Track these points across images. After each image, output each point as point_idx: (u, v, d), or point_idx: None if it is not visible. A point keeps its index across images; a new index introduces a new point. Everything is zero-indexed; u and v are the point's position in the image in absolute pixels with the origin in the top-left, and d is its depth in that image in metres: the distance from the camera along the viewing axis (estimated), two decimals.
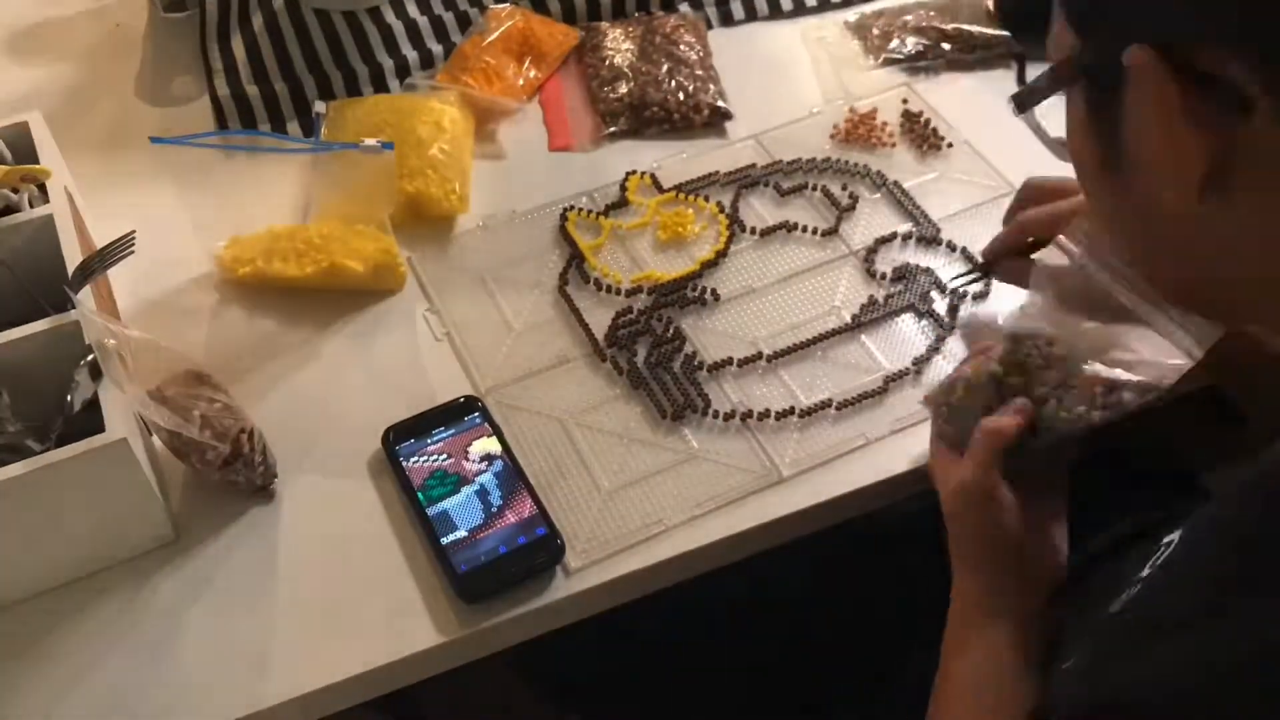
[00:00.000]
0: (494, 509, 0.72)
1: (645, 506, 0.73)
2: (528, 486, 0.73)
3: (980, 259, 0.82)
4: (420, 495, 0.72)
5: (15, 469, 0.63)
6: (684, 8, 1.10)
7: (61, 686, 0.66)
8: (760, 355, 0.81)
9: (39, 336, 0.70)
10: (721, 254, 0.88)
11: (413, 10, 1.07)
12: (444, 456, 0.74)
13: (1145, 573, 0.53)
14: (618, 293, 0.86)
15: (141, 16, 1.11)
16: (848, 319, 0.84)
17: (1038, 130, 0.63)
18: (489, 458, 0.74)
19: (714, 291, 0.86)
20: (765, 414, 0.78)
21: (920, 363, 0.81)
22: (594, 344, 0.82)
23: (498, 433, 0.76)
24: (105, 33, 1.10)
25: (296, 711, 0.66)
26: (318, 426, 0.78)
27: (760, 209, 0.92)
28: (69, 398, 0.68)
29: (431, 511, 0.71)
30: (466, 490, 0.73)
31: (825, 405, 0.78)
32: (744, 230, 0.90)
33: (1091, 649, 0.53)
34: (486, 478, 0.73)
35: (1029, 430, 0.64)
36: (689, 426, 0.78)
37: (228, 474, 0.71)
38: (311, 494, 0.75)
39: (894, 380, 0.80)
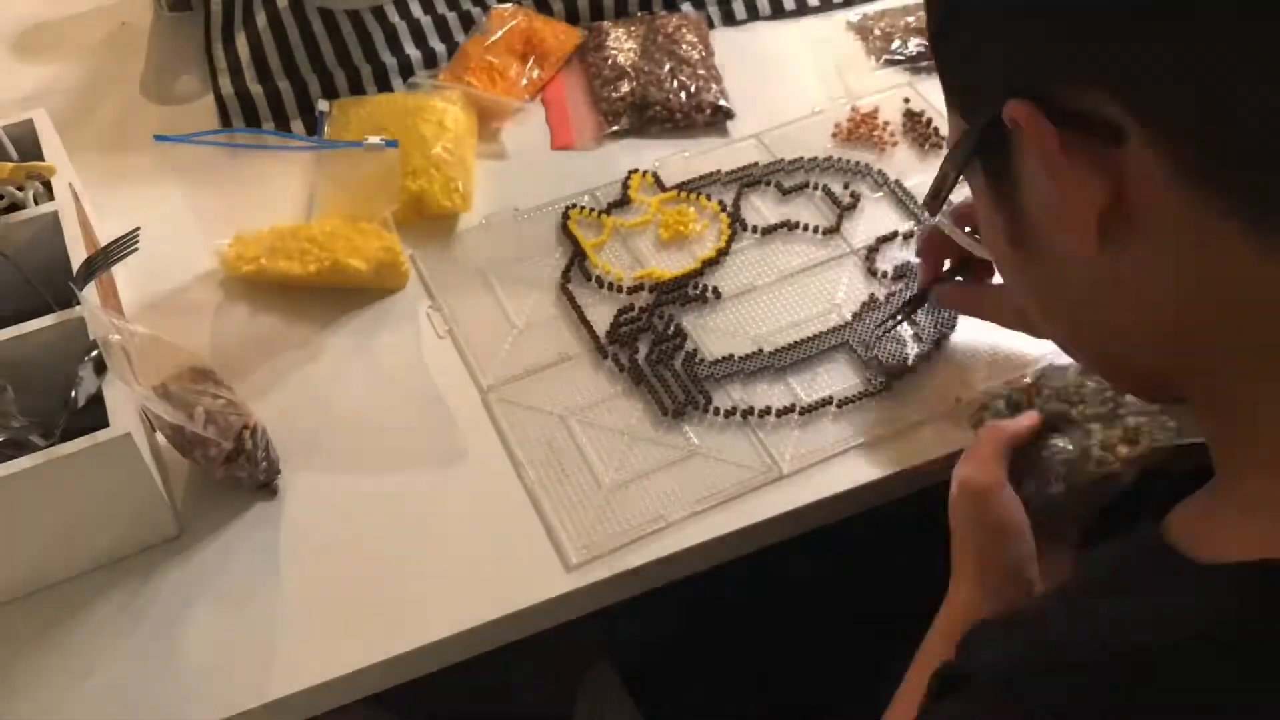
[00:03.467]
0: None
1: (646, 503, 0.74)
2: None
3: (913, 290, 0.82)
4: None
5: (19, 464, 0.63)
6: (686, 7, 1.11)
7: (65, 681, 0.66)
8: (761, 353, 0.82)
9: (44, 332, 0.70)
10: (723, 252, 0.89)
11: (416, 9, 1.07)
12: None
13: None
14: (619, 290, 0.86)
15: (146, 15, 1.12)
16: (849, 317, 0.84)
17: (951, 230, 0.67)
18: None
19: (715, 289, 0.86)
20: (766, 411, 0.78)
21: (920, 361, 0.81)
22: (595, 341, 0.83)
23: None
24: (110, 31, 1.11)
25: (300, 705, 0.67)
26: (320, 423, 0.78)
27: (762, 207, 0.93)
28: (73, 393, 0.68)
29: None
30: None
31: (826, 403, 0.79)
32: (745, 228, 0.91)
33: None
34: None
35: (1047, 474, 0.64)
36: (690, 424, 0.78)
37: (231, 470, 0.72)
38: (315, 490, 0.75)
39: (895, 378, 0.80)
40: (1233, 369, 0.43)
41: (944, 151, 0.96)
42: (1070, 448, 0.65)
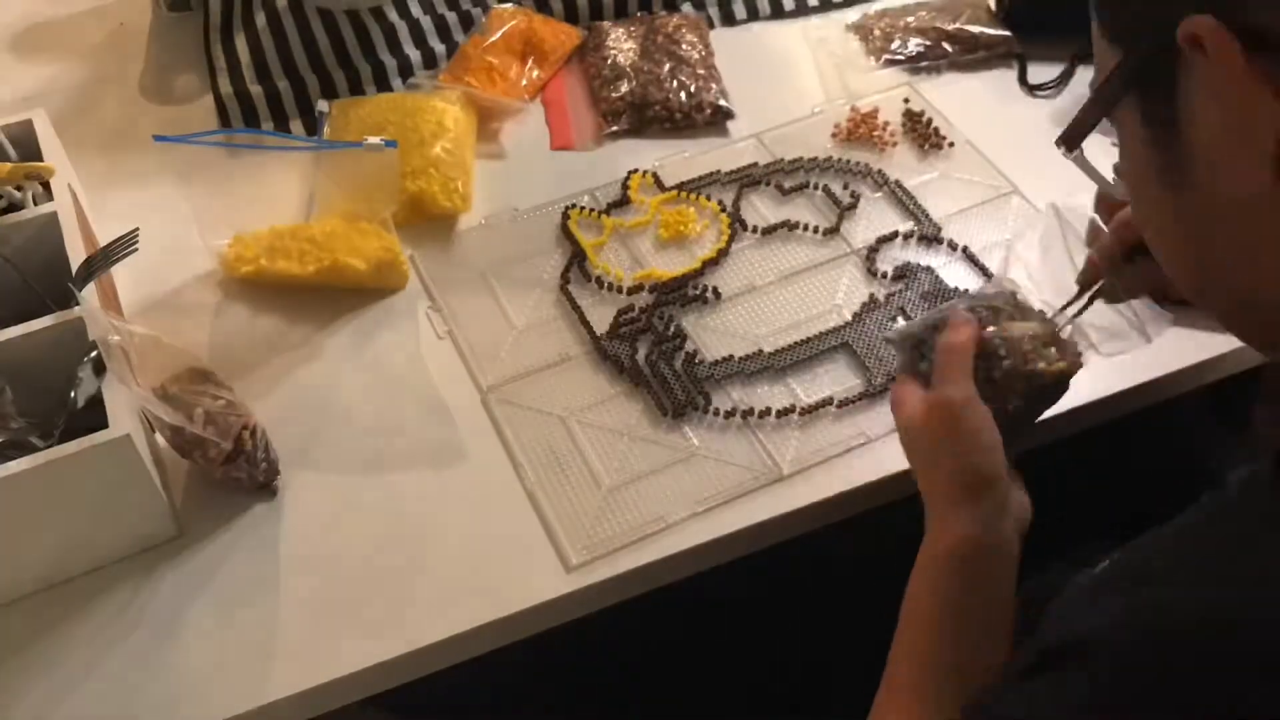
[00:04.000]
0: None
1: (646, 504, 0.74)
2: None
3: (1079, 283, 0.73)
4: None
5: (19, 465, 0.63)
6: (686, 7, 1.11)
7: (66, 681, 0.66)
8: (761, 353, 0.82)
9: (43, 333, 0.70)
10: (723, 252, 0.89)
11: (416, 10, 1.07)
12: None
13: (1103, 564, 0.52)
14: (619, 291, 0.86)
15: (145, 15, 1.12)
16: (849, 317, 0.84)
17: (1088, 168, 0.60)
18: None
19: (715, 290, 0.86)
20: (766, 412, 0.78)
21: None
22: (595, 342, 0.83)
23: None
24: (109, 31, 1.11)
25: (299, 706, 0.67)
26: (320, 424, 0.78)
27: (762, 208, 0.93)
28: (72, 394, 0.68)
29: None
30: None
31: (826, 403, 0.78)
32: (745, 229, 0.91)
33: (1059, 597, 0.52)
34: None
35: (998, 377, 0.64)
36: (690, 424, 0.78)
37: (230, 470, 0.72)
38: (314, 491, 0.75)
39: (894, 379, 0.80)
40: None
41: (945, 151, 0.96)
42: (1008, 360, 0.65)
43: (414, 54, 1.04)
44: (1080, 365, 0.67)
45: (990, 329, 0.66)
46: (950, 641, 0.59)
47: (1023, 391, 0.65)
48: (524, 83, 1.03)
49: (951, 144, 0.96)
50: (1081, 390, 0.73)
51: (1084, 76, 1.01)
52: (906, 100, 1.01)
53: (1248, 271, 0.46)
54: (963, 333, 0.65)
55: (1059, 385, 0.67)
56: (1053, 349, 0.66)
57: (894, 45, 1.05)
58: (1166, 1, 0.41)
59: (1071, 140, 0.50)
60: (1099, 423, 0.78)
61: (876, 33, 1.07)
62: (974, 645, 0.59)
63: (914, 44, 1.05)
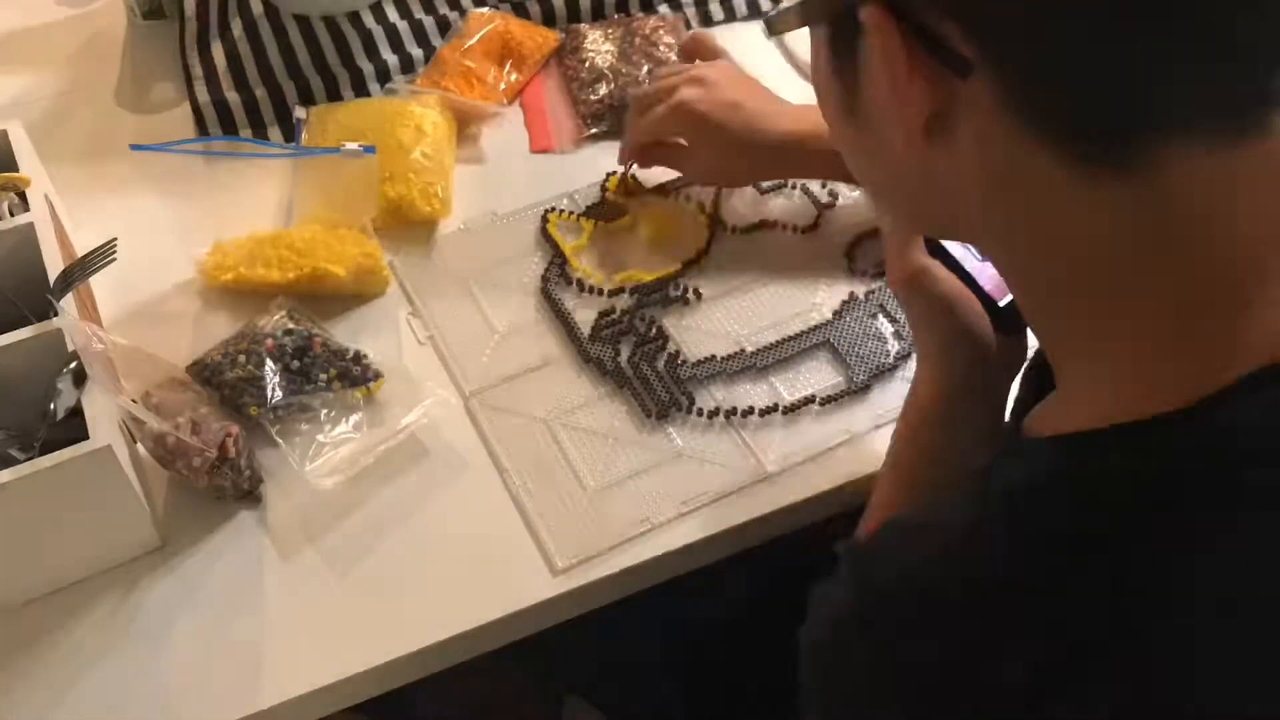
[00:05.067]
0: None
1: (632, 505, 0.74)
2: None
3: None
4: None
5: None
6: (663, 9, 1.11)
7: (50, 695, 0.66)
8: (743, 353, 0.82)
9: (21, 345, 0.70)
10: (703, 253, 0.89)
11: (392, 15, 1.07)
12: None
13: None
14: (600, 293, 0.86)
15: (120, 24, 1.11)
16: (829, 315, 0.84)
17: (789, 55, 0.68)
18: None
19: (696, 290, 0.86)
20: (749, 411, 0.78)
21: (901, 358, 0.81)
22: (577, 345, 0.83)
23: None
24: (84, 41, 1.10)
25: (287, 715, 0.66)
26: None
27: (741, 207, 0.93)
28: (52, 406, 0.67)
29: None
30: None
31: (809, 401, 0.79)
32: (725, 229, 0.91)
33: None
34: None
35: None
36: (673, 425, 0.78)
37: (214, 479, 0.71)
38: (297, 498, 0.75)
39: (876, 376, 0.80)
40: (1043, 277, 0.48)
41: None
42: None
43: (391, 59, 1.03)
44: None
45: None
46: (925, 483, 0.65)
47: None
48: (502, 86, 1.03)
49: None
50: None
51: None
52: None
53: (917, 197, 0.51)
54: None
55: None
56: None
57: None
58: None
59: (772, 27, 0.54)
60: None
61: None
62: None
63: None
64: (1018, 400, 0.64)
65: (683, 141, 0.87)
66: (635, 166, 0.92)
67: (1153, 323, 0.44)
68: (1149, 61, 0.40)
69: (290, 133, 0.99)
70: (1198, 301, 0.44)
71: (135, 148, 0.91)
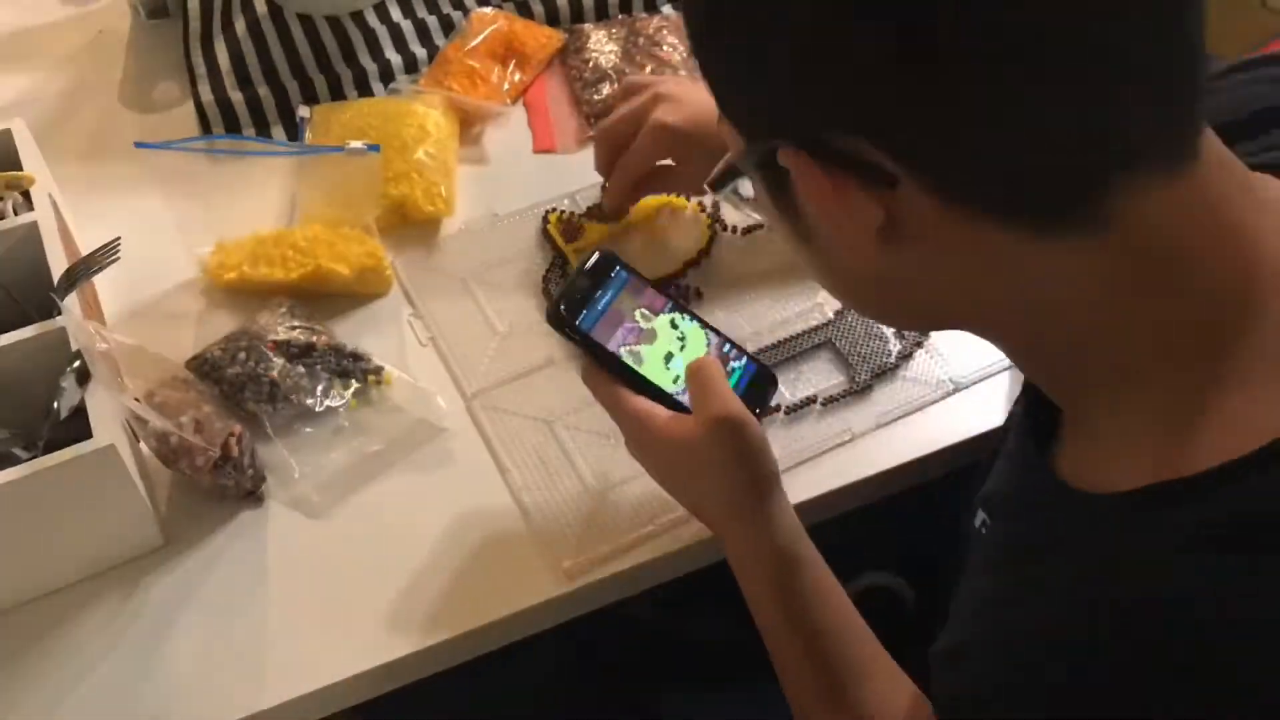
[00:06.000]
0: (701, 346, 0.71)
1: (634, 506, 0.74)
2: (714, 331, 0.73)
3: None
4: (624, 359, 0.68)
5: (2, 477, 0.63)
6: (666, 9, 1.11)
7: (52, 693, 0.66)
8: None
9: (25, 344, 0.70)
10: (704, 253, 0.89)
11: (396, 14, 1.07)
12: (622, 331, 0.70)
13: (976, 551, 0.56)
14: None
15: (124, 23, 1.11)
16: (830, 315, 0.84)
17: (736, 196, 0.73)
18: (660, 321, 0.71)
19: (697, 290, 0.86)
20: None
21: (903, 358, 0.81)
22: None
23: (635, 273, 0.72)
24: (88, 39, 1.10)
25: (289, 715, 0.67)
26: (305, 431, 0.78)
27: (741, 207, 0.93)
28: (55, 404, 0.68)
29: (644, 370, 0.69)
30: (667, 361, 0.70)
31: (810, 401, 0.79)
32: (725, 229, 0.91)
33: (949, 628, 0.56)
34: (673, 343, 0.71)
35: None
36: None
37: (217, 478, 0.72)
38: (300, 497, 0.75)
39: (878, 376, 0.80)
40: (1042, 343, 0.48)
41: None
42: None
43: (395, 58, 1.04)
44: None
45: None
46: (811, 641, 0.63)
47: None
48: (505, 86, 1.03)
49: None
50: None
51: None
52: None
53: (888, 300, 0.52)
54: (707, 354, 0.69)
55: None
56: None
57: None
58: (760, 120, 0.46)
59: (716, 186, 0.55)
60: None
61: None
62: (829, 636, 0.63)
63: None
64: (1016, 417, 0.61)
65: (670, 162, 0.85)
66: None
67: (1169, 365, 0.44)
68: (1078, 128, 0.40)
69: (294, 132, 0.99)
70: (1203, 331, 0.43)
71: (140, 145, 0.91)
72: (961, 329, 0.51)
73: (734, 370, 0.71)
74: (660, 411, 0.67)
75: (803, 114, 0.44)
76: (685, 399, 0.68)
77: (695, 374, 0.66)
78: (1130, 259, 0.43)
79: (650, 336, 0.70)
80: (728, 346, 0.72)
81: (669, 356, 0.70)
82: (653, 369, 0.69)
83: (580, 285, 0.69)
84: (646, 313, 0.71)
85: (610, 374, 0.68)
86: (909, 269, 0.47)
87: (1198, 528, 0.41)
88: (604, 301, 0.70)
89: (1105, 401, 0.47)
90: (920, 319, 0.54)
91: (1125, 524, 0.44)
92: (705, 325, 0.73)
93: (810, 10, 0.40)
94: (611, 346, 0.68)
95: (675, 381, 0.69)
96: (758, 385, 0.71)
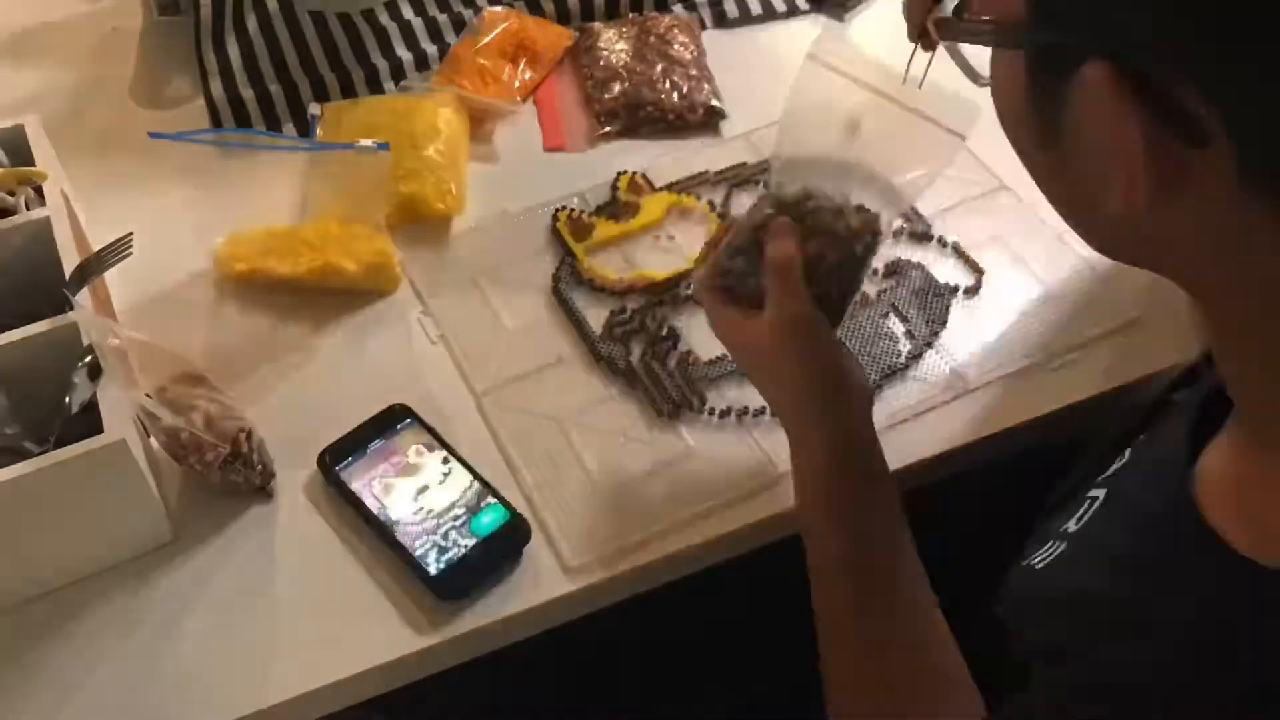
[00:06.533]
0: (449, 505, 0.72)
1: (643, 505, 0.74)
2: (478, 477, 0.74)
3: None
4: (372, 508, 0.72)
5: (14, 471, 0.63)
6: (678, 8, 1.11)
7: (62, 688, 0.66)
8: None
9: (37, 339, 0.70)
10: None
11: (407, 12, 1.07)
12: (385, 465, 0.75)
13: (1071, 528, 0.54)
14: (611, 292, 0.86)
15: (136, 19, 1.11)
16: None
17: (962, 63, 0.61)
18: (431, 458, 0.75)
19: None
20: (761, 411, 0.78)
21: (913, 358, 0.81)
22: (588, 344, 0.83)
23: (433, 433, 0.76)
24: (100, 36, 1.10)
25: (298, 710, 0.67)
26: (314, 427, 0.78)
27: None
28: (67, 400, 0.68)
29: (388, 521, 0.71)
30: (419, 494, 0.73)
31: None
32: None
33: (1011, 600, 0.54)
34: (434, 477, 0.74)
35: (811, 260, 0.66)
36: (685, 424, 0.78)
37: (227, 474, 0.72)
38: (309, 494, 0.75)
39: (887, 376, 0.80)
40: (1264, 325, 0.43)
41: None
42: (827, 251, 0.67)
43: (406, 56, 1.04)
44: (876, 224, 0.68)
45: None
46: (854, 550, 0.61)
47: (839, 274, 0.68)
48: (516, 84, 1.03)
49: None
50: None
51: None
52: None
53: (1119, 238, 0.47)
54: (788, 245, 0.66)
55: (867, 252, 0.69)
56: (850, 218, 0.68)
57: None
58: (1084, 23, 0.40)
59: (946, 32, 0.49)
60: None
61: None
62: (880, 539, 0.61)
63: None
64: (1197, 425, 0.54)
65: None
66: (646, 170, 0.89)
67: None
68: None
69: (305, 129, 0.99)
70: None
71: (154, 136, 0.91)
72: (1177, 282, 0.47)
73: (485, 508, 0.72)
74: (736, 317, 0.67)
75: (1140, 24, 0.38)
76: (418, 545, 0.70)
77: (775, 270, 0.65)
78: None
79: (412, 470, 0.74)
80: (486, 494, 0.73)
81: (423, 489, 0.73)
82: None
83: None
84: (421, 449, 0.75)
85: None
86: (1155, 221, 0.42)
87: None
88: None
89: None
90: (1129, 256, 0.48)
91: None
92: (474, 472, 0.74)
93: None
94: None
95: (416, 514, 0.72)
96: (507, 535, 0.71)
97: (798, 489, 0.65)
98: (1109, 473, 0.57)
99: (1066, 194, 0.48)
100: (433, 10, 1.08)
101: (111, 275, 0.79)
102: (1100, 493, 0.55)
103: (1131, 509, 0.53)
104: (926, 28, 0.60)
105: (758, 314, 0.66)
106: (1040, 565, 0.56)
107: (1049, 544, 0.56)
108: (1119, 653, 0.45)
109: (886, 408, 0.79)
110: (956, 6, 0.49)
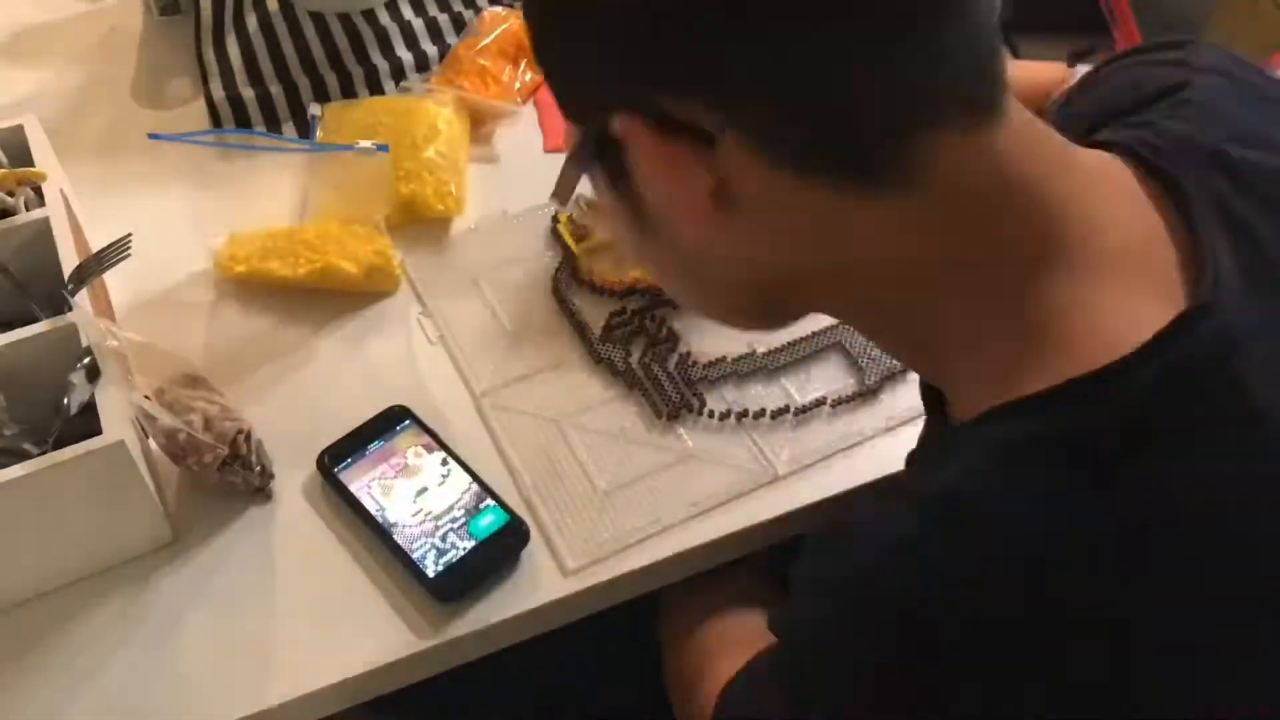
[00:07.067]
0: (448, 507, 0.72)
1: (642, 506, 0.74)
2: (477, 479, 0.74)
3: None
4: (371, 509, 0.72)
5: (13, 472, 0.63)
6: None
7: (62, 690, 0.66)
8: (754, 354, 0.82)
9: (36, 339, 0.70)
10: None
11: (407, 12, 1.07)
12: (385, 466, 0.75)
13: None
14: (611, 294, 0.86)
15: (136, 19, 1.11)
16: None
17: (583, 206, 0.74)
18: (430, 459, 0.75)
19: None
20: (761, 413, 0.78)
21: None
22: (588, 345, 0.83)
23: (432, 434, 0.76)
24: (100, 36, 1.10)
25: (296, 711, 0.67)
26: (313, 428, 0.78)
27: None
28: (65, 400, 0.68)
29: (386, 522, 0.71)
30: (418, 496, 0.73)
31: (820, 403, 0.79)
32: None
33: None
34: (433, 479, 0.74)
35: None
36: (685, 426, 0.78)
37: (226, 475, 0.72)
38: (308, 495, 0.75)
39: (888, 378, 0.80)
40: (878, 303, 0.50)
41: None
42: None
43: (406, 57, 1.04)
44: None
45: None
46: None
47: None
48: (517, 85, 1.03)
49: None
50: None
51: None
52: None
53: (730, 285, 0.53)
54: None
55: None
56: None
57: None
58: (593, 100, 0.47)
59: (561, 196, 0.55)
60: None
61: None
62: None
63: None
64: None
65: None
66: None
67: (1006, 302, 0.46)
68: (874, 76, 0.42)
69: (304, 129, 0.99)
70: (1012, 274, 0.46)
71: (153, 137, 0.91)
72: (806, 310, 0.54)
73: (484, 510, 0.72)
74: None
75: (629, 74, 0.45)
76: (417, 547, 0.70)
77: None
78: (939, 213, 0.45)
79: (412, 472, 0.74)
80: (485, 496, 0.73)
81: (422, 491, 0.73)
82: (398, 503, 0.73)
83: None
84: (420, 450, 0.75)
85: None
86: (741, 240, 0.48)
87: (1022, 443, 0.44)
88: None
89: (951, 352, 0.49)
90: (763, 305, 0.55)
91: (963, 443, 0.47)
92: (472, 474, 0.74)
93: None
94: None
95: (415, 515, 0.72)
96: (505, 537, 0.71)
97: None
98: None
99: (675, 267, 0.54)
100: (433, 10, 1.08)
101: (111, 276, 0.79)
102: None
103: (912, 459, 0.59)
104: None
105: None
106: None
107: None
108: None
109: (887, 410, 0.79)
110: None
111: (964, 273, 0.47)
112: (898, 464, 0.74)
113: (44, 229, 0.76)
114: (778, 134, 0.44)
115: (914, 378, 0.80)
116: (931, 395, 0.56)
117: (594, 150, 0.49)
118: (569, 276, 0.87)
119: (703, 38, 0.42)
